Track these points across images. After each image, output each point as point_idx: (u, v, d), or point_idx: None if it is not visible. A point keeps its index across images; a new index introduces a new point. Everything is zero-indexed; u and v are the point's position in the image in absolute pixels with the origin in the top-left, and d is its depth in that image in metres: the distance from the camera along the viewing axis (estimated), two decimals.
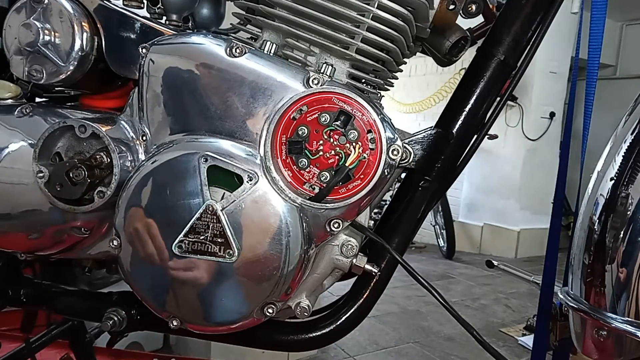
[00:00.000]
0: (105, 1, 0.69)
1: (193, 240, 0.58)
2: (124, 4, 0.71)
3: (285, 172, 0.58)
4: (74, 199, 0.62)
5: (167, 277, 0.60)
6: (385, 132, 0.58)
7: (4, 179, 0.67)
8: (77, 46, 0.66)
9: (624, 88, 4.61)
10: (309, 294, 0.66)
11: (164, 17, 0.74)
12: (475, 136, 0.72)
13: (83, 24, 0.66)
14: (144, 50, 0.63)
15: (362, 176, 0.58)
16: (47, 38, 0.66)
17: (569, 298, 0.67)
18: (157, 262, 0.59)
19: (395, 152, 0.58)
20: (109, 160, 0.62)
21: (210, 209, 0.57)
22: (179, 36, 0.64)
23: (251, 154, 0.58)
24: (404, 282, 3.21)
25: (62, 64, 0.66)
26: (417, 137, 0.64)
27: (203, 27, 0.80)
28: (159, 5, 0.75)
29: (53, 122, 0.65)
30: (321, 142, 0.58)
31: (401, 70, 0.72)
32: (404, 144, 0.60)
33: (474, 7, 0.71)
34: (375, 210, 0.76)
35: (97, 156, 0.62)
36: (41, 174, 0.62)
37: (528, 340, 2.46)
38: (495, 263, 3.00)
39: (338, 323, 0.69)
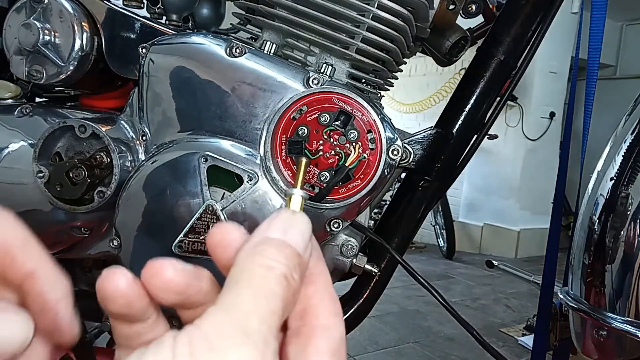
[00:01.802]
0: (105, 1, 0.69)
1: (193, 240, 0.58)
2: (124, 4, 0.71)
3: (285, 172, 0.58)
4: (74, 199, 0.62)
5: None
6: (385, 132, 0.58)
7: (4, 179, 0.67)
8: (77, 46, 0.66)
9: (624, 88, 4.61)
10: None
11: (164, 17, 0.74)
12: (475, 136, 0.72)
13: (83, 24, 0.66)
14: (143, 50, 0.63)
15: (362, 176, 0.58)
16: (47, 38, 0.66)
17: (569, 298, 0.67)
18: None
19: (395, 152, 0.58)
20: (109, 160, 0.62)
21: (210, 209, 0.57)
22: (179, 36, 0.64)
23: (251, 154, 0.58)
24: (404, 282, 3.20)
25: (62, 64, 0.66)
26: (417, 137, 0.64)
27: (203, 27, 0.80)
28: (159, 5, 0.75)
29: (53, 122, 0.65)
30: (321, 142, 0.58)
31: (401, 70, 0.72)
32: (404, 144, 0.60)
33: (474, 7, 0.71)
34: (375, 210, 0.76)
35: (97, 156, 0.62)
36: (41, 174, 0.62)
37: (528, 340, 2.46)
38: (495, 263, 3.00)
39: None
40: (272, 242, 0.22)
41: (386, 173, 0.58)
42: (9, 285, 0.23)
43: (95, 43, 0.68)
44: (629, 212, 0.61)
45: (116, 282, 0.21)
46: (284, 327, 0.23)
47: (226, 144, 0.59)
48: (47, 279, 0.23)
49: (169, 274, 0.22)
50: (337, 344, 0.22)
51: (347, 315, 0.69)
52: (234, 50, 0.59)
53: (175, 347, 0.17)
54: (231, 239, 0.23)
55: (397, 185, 0.76)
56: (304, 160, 0.27)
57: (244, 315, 0.18)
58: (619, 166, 0.64)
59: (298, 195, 0.25)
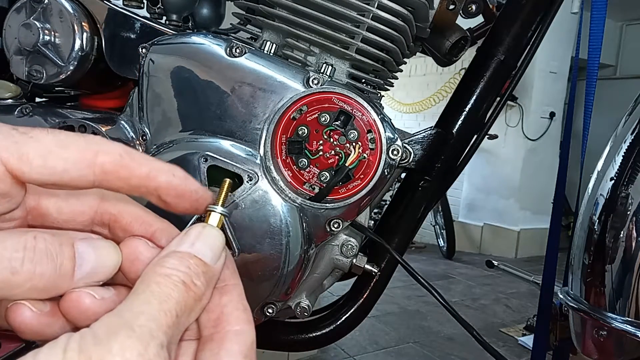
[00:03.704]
0: (105, 1, 0.69)
1: None
2: (124, 4, 0.71)
3: (285, 172, 0.58)
4: None
5: None
6: (385, 132, 0.58)
7: None
8: (77, 46, 0.66)
9: (624, 88, 4.61)
10: (309, 294, 0.66)
11: (164, 17, 0.74)
12: (475, 136, 0.72)
13: (83, 24, 0.66)
14: (143, 50, 0.63)
15: (362, 176, 0.58)
16: (47, 38, 0.66)
17: (569, 298, 0.67)
18: None
19: (395, 152, 0.58)
20: None
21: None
22: (179, 36, 0.64)
23: (251, 154, 0.58)
24: (404, 282, 3.21)
25: (62, 64, 0.66)
26: (417, 137, 0.64)
27: (203, 27, 0.80)
28: (159, 5, 0.75)
29: (53, 122, 0.65)
30: (321, 142, 0.58)
31: (401, 70, 0.72)
32: (404, 144, 0.60)
33: (474, 7, 0.71)
34: (375, 210, 0.76)
35: None
36: None
37: (528, 340, 2.46)
38: (495, 263, 3.00)
39: (338, 323, 0.69)
40: (175, 254, 0.23)
41: (386, 173, 0.58)
42: (135, 191, 0.24)
43: (95, 43, 0.68)
44: (629, 212, 0.61)
45: (20, 317, 0.22)
46: (198, 336, 0.25)
47: (226, 144, 0.59)
48: (163, 171, 0.25)
49: (87, 303, 0.23)
50: (248, 347, 0.24)
51: (347, 315, 0.69)
52: (234, 50, 0.59)
53: (68, 344, 0.18)
54: (139, 253, 0.25)
55: (397, 185, 0.76)
56: (228, 181, 0.28)
57: (133, 315, 0.20)
58: (619, 166, 0.64)
59: (217, 212, 0.27)
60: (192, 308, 0.22)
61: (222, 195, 0.28)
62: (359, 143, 0.58)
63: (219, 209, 0.27)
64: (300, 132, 0.57)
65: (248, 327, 0.25)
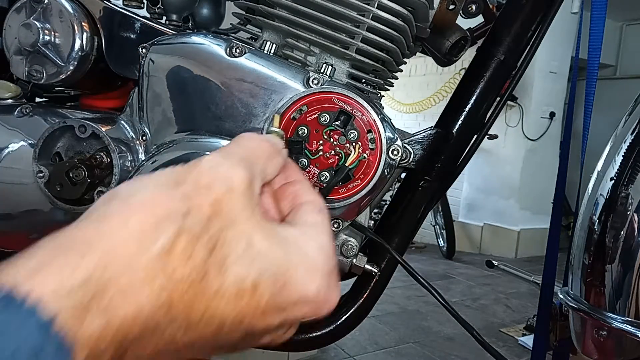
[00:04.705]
0: (105, 1, 0.69)
1: None
2: (124, 4, 0.71)
3: None
4: (74, 199, 0.62)
5: None
6: (385, 132, 0.58)
7: (4, 179, 0.67)
8: (77, 46, 0.66)
9: (624, 88, 4.60)
10: None
11: (164, 17, 0.74)
12: (475, 136, 0.72)
13: (83, 24, 0.66)
14: (143, 50, 0.63)
15: (362, 176, 0.58)
16: (47, 38, 0.66)
17: (569, 298, 0.67)
18: None
19: (395, 152, 0.58)
20: (109, 160, 0.62)
21: None
22: (179, 36, 0.64)
23: None
24: (404, 282, 3.21)
25: (62, 64, 0.66)
26: (417, 137, 0.64)
27: (203, 27, 0.80)
28: (159, 5, 0.75)
29: (53, 122, 0.65)
30: (321, 142, 0.58)
31: (401, 70, 0.72)
32: (404, 144, 0.60)
33: (474, 7, 0.71)
34: (375, 210, 0.76)
35: (97, 156, 0.62)
36: (41, 174, 0.62)
37: (528, 340, 2.46)
38: (495, 263, 3.00)
39: (338, 323, 0.69)
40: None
41: (386, 173, 0.58)
42: None
43: (95, 43, 0.68)
44: (629, 212, 0.61)
45: None
46: (282, 219, 0.32)
47: (226, 144, 0.59)
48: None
49: None
50: (321, 207, 0.32)
51: (347, 315, 0.69)
52: (234, 50, 0.59)
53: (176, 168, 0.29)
54: None
55: (397, 185, 0.76)
56: (276, 115, 0.46)
57: (225, 150, 0.30)
58: (619, 166, 0.64)
59: (275, 131, 0.41)
60: (265, 161, 0.31)
61: (278, 122, 0.48)
62: (359, 143, 0.58)
63: (276, 129, 0.42)
64: (300, 132, 0.57)
65: (318, 197, 0.33)
